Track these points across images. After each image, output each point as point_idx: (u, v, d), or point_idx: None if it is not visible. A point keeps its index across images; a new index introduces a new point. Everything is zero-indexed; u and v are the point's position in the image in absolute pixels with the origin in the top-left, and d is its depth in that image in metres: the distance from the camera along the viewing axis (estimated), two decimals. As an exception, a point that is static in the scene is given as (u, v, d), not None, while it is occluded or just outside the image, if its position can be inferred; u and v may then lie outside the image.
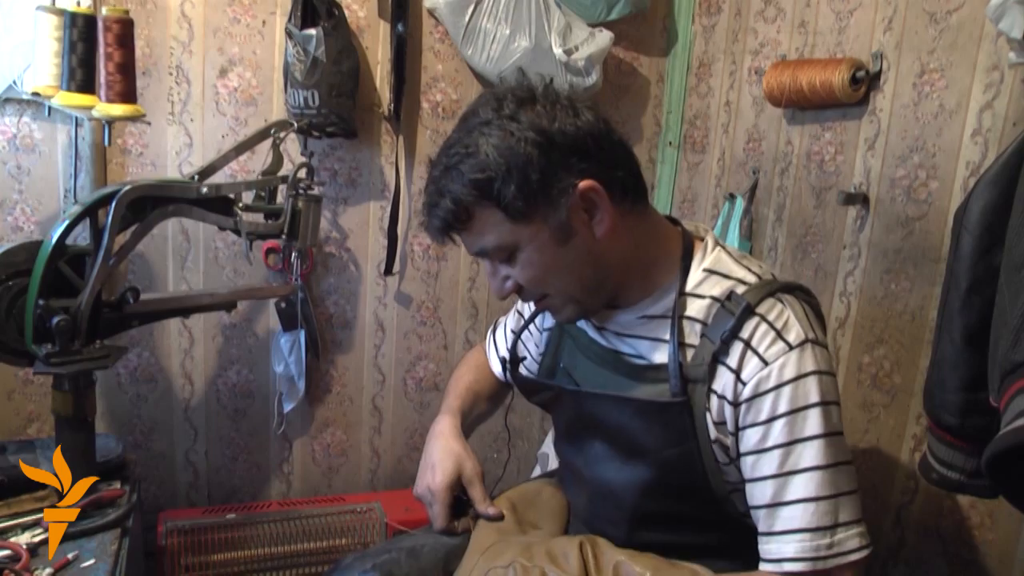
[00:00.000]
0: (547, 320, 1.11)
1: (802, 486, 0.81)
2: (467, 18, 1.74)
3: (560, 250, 0.86)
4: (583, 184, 0.84)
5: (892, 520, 1.33)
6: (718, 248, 0.94)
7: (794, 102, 1.48)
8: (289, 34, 1.63)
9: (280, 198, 1.50)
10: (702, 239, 0.96)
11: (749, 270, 0.91)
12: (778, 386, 0.83)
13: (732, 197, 1.73)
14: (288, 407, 1.84)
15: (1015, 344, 0.76)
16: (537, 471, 1.83)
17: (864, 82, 1.36)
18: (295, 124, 1.57)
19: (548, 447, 1.89)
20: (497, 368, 1.22)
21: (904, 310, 1.30)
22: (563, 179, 0.83)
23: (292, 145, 1.72)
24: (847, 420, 1.40)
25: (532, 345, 1.15)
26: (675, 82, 2.00)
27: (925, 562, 1.28)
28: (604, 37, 1.80)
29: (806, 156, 1.54)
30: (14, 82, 1.47)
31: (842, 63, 1.35)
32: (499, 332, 1.24)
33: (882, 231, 1.35)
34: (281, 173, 1.49)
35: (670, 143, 2.02)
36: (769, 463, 0.83)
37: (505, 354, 1.18)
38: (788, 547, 0.82)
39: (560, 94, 0.86)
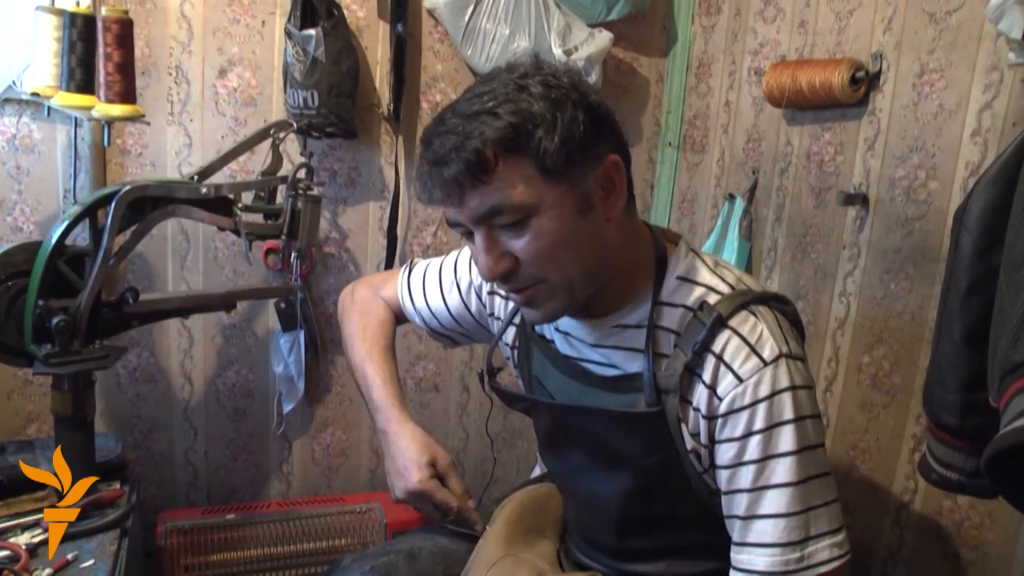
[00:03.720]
0: (509, 335, 1.07)
1: (774, 502, 0.81)
2: (467, 18, 1.74)
3: (578, 222, 0.80)
4: (612, 157, 0.82)
5: (892, 520, 1.33)
6: (691, 255, 0.92)
7: (794, 102, 1.48)
8: (288, 34, 1.63)
9: (279, 198, 1.51)
10: (675, 244, 0.93)
11: (723, 279, 0.89)
12: (753, 403, 0.82)
13: (732, 197, 1.73)
14: (288, 407, 1.84)
15: (1015, 344, 0.76)
16: (537, 471, 1.83)
17: (864, 82, 1.36)
18: (294, 124, 1.57)
19: (548, 447, 1.89)
20: (417, 320, 1.16)
21: (904, 310, 1.30)
22: (599, 146, 0.81)
23: (291, 145, 1.72)
24: (847, 420, 1.41)
25: (504, 349, 1.11)
26: (675, 82, 2.00)
27: (925, 562, 1.28)
28: (604, 37, 1.80)
29: (806, 156, 1.54)
30: (13, 82, 1.47)
31: (842, 63, 1.35)
32: (419, 286, 1.15)
33: (882, 231, 1.35)
34: (280, 173, 1.49)
35: (669, 143, 2.02)
36: (745, 477, 0.83)
37: (429, 314, 1.13)
38: (759, 560, 0.82)
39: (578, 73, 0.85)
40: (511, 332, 1.06)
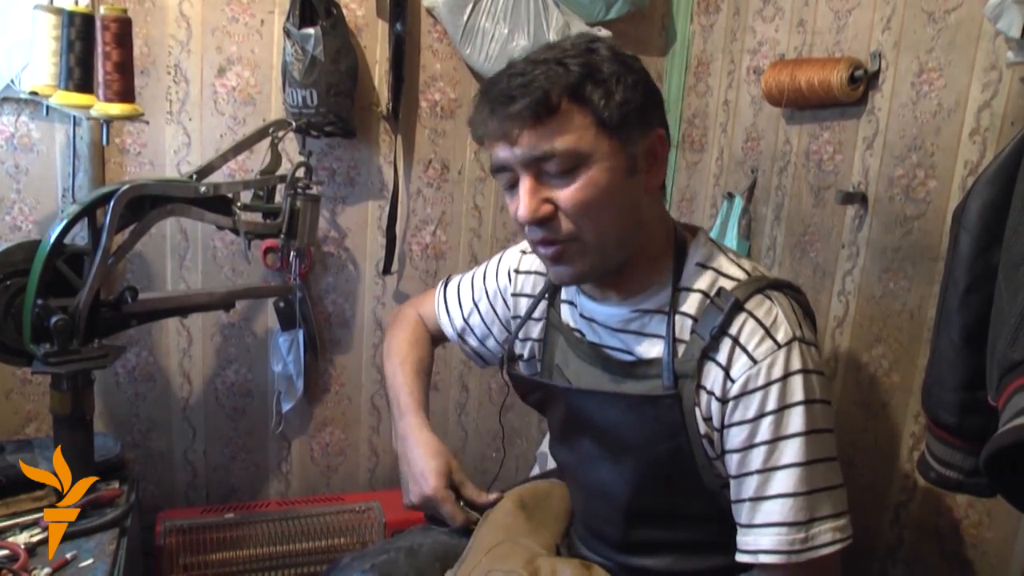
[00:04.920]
0: (534, 330, 1.10)
1: (782, 482, 0.83)
2: (465, 17, 1.74)
3: (623, 183, 0.84)
4: (660, 131, 0.88)
5: (890, 519, 1.33)
6: (710, 243, 0.95)
7: (793, 101, 1.48)
8: (287, 33, 1.62)
9: (278, 197, 1.51)
10: (694, 234, 0.97)
11: (740, 267, 0.92)
12: (766, 384, 0.83)
13: (731, 196, 1.73)
14: (287, 406, 1.84)
15: (1013, 343, 0.77)
16: (535, 471, 1.83)
17: (863, 81, 1.36)
18: (293, 123, 1.57)
19: (547, 446, 1.89)
20: (450, 331, 1.21)
21: (902, 309, 1.31)
22: (651, 116, 0.87)
23: (290, 144, 1.72)
24: (846, 418, 1.41)
25: (524, 346, 1.13)
26: (674, 81, 2.00)
27: (923, 561, 1.28)
28: (602, 36, 1.79)
29: (805, 155, 1.54)
30: (12, 81, 1.47)
31: (840, 62, 1.35)
32: (453, 297, 1.21)
33: (880, 230, 1.35)
34: (279, 172, 1.49)
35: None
36: (756, 459, 0.84)
37: (461, 322, 1.18)
38: (764, 539, 0.83)
39: None
40: (536, 328, 1.09)
